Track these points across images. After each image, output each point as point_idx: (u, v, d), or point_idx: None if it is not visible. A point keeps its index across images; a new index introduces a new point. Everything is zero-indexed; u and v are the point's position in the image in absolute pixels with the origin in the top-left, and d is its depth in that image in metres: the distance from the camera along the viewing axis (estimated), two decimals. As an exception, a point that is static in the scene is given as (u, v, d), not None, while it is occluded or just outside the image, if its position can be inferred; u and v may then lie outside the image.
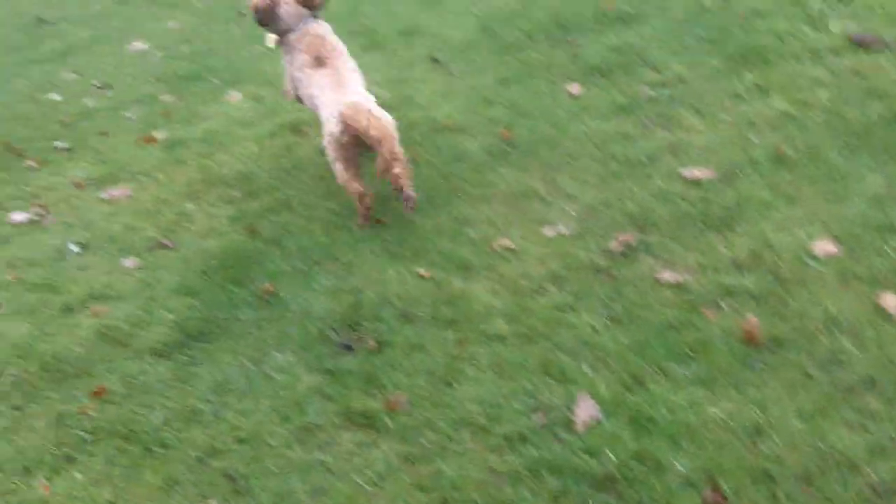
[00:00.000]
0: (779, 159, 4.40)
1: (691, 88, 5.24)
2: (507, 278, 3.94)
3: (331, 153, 4.51)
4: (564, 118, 5.16)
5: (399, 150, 4.31)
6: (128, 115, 6.80)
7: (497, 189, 4.61)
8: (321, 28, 4.94)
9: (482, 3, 7.22)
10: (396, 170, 4.28)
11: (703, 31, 5.85)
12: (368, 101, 4.51)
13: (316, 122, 4.93)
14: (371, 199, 4.46)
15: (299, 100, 5.03)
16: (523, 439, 3.16)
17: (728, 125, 4.81)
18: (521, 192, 4.54)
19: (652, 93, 5.26)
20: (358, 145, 4.40)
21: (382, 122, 4.32)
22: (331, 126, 4.45)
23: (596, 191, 4.45)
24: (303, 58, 4.82)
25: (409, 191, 4.35)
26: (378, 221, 4.52)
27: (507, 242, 4.16)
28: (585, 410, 3.20)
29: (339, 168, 4.49)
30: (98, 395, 3.70)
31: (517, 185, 4.61)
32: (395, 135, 4.34)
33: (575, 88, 5.48)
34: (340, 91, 4.57)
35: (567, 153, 4.81)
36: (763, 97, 4.99)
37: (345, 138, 4.38)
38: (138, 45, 8.79)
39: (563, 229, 4.21)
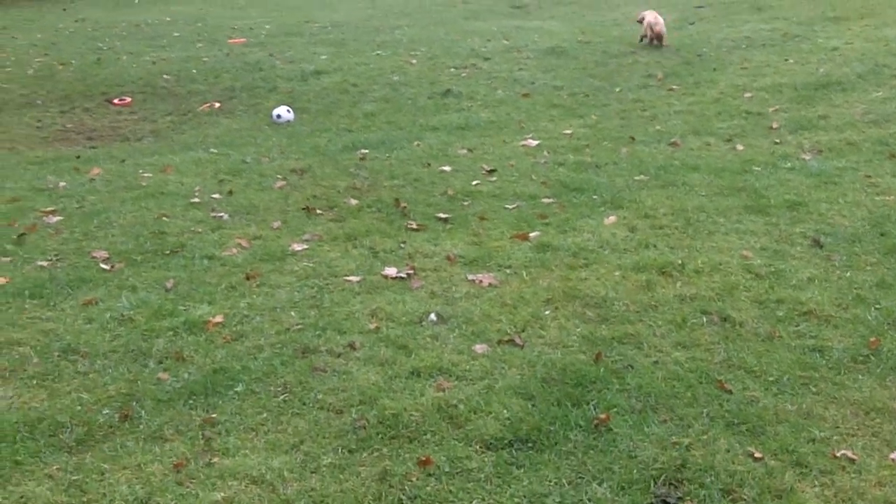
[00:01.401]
0: None
1: None
2: (842, 490, 3.82)
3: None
4: (940, 342, 4.97)
5: (665, 35, 14.65)
6: (508, 206, 7.22)
7: (850, 395, 4.49)
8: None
9: (879, 196, 7.08)
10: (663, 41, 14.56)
11: None
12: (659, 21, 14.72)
13: (682, 271, 5.17)
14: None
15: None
16: None
17: None
18: (874, 407, 4.39)
19: None
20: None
21: (661, 26, 14.57)
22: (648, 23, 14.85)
23: (959, 431, 4.25)
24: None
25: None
26: (721, 386, 4.54)
27: (849, 453, 4.04)
28: None
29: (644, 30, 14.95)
30: (424, 464, 3.94)
31: (872, 398, 4.46)
32: (665, 31, 14.67)
33: (958, 313, 5.27)
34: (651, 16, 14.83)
35: (935, 381, 4.63)
36: None
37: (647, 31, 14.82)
38: (531, 141, 9.30)
39: (910, 458, 4.05)
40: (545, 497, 3.78)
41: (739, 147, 8.79)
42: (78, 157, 9.44)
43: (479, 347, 4.96)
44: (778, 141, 8.95)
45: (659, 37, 14.62)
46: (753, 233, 6.48)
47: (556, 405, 4.38)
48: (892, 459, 4.03)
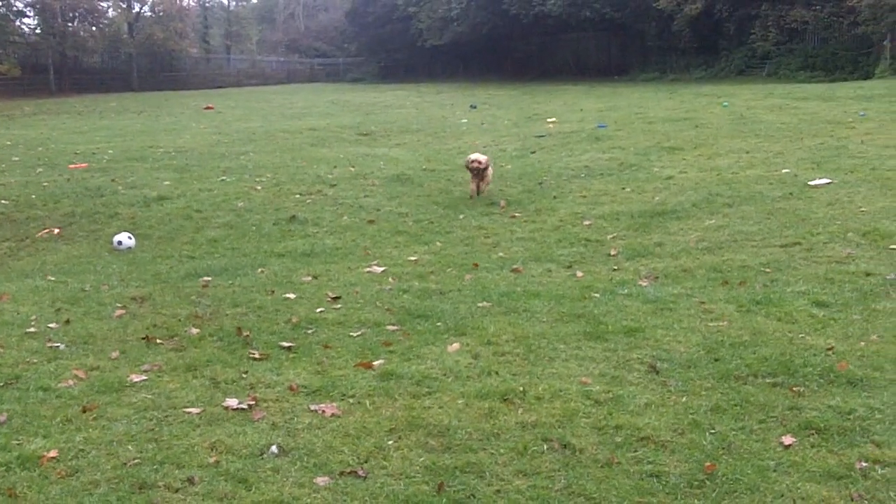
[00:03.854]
0: None
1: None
2: None
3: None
4: (771, 467, 5.08)
5: (489, 179, 13.55)
6: (353, 334, 7.18)
7: (689, 520, 4.58)
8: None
9: (713, 322, 7.31)
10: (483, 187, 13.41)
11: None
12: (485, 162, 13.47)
13: (524, 398, 5.25)
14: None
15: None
16: None
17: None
18: (710, 531, 4.50)
19: (868, 469, 5.08)
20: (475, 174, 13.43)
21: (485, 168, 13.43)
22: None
23: (789, 554, 4.36)
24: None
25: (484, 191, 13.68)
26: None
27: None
28: None
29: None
30: None
31: (709, 523, 4.56)
32: (489, 171, 13.53)
33: (787, 439, 5.41)
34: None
35: (766, 505, 4.75)
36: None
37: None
38: (376, 267, 9.35)
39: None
40: None
41: (579, 274, 9.02)
42: None
43: (321, 480, 4.86)
44: (616, 268, 9.23)
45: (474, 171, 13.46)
46: (592, 359, 6.60)
47: (399, 539, 4.32)
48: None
